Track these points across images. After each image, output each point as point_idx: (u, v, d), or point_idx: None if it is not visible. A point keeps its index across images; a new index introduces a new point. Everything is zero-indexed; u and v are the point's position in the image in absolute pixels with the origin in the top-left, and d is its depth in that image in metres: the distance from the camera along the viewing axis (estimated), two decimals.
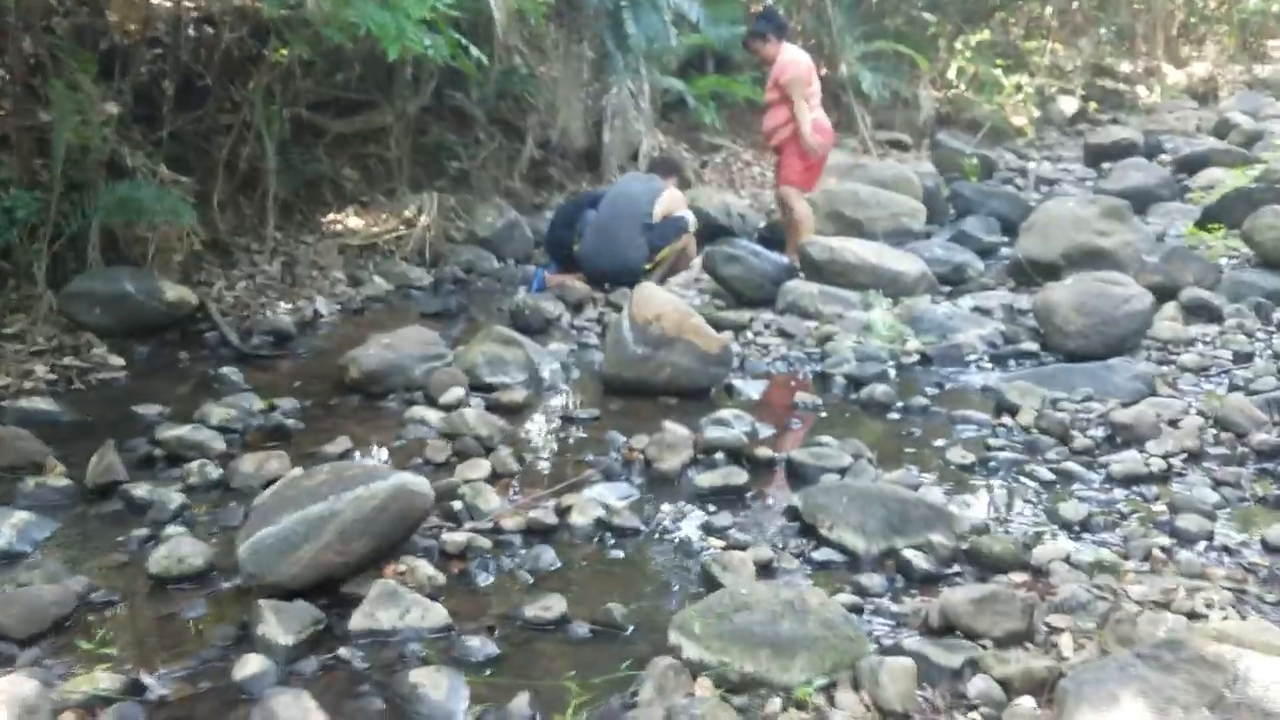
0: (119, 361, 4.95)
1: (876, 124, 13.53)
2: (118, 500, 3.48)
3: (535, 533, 3.31)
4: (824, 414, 4.51)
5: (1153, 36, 18.42)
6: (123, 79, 6.30)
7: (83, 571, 2.99)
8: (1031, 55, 16.17)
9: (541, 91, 8.95)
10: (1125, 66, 17.49)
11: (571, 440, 4.18)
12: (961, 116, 14.15)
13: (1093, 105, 15.33)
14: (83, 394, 4.60)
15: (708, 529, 3.39)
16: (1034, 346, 5.28)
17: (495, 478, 3.69)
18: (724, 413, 4.29)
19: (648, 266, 6.25)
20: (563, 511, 3.42)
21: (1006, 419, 4.28)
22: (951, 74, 14.44)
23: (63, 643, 2.65)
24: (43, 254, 5.22)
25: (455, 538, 3.16)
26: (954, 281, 6.66)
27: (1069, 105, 15.08)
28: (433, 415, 4.20)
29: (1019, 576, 3.01)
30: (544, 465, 3.92)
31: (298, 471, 3.44)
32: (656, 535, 3.37)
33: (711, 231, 8.56)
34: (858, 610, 2.79)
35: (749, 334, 5.63)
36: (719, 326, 5.63)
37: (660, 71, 10.20)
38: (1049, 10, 17.04)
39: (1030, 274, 6.48)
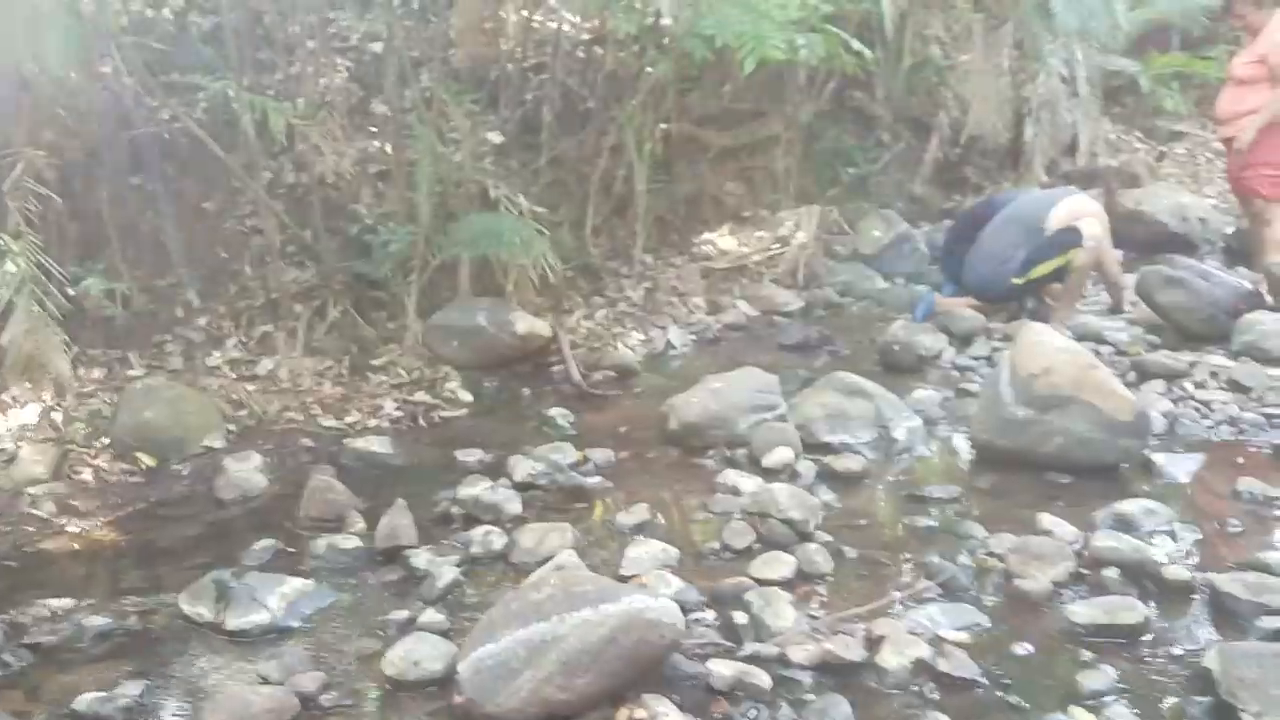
0: (467, 397, 4.87)
1: None
2: (400, 568, 3.24)
3: (832, 670, 2.55)
4: (1278, 513, 3.21)
5: None
6: (508, 107, 6.38)
7: (326, 663, 2.74)
8: None
9: (957, 84, 7.90)
10: None
11: (913, 530, 3.31)
12: None
13: None
14: (422, 433, 4.54)
15: (1073, 691, 2.41)
16: None
17: (799, 580, 2.96)
18: (1130, 505, 3.19)
19: (1017, 281, 5.05)
20: (874, 642, 2.61)
21: None
22: None
23: None
24: (414, 286, 5.32)
25: (724, 670, 2.49)
26: None
27: None
28: (748, 483, 3.55)
29: None
30: (866, 566, 3.11)
31: (569, 555, 2.98)
32: (998, 693, 2.45)
33: (1163, 241, 7.03)
34: None
35: (1188, 384, 4.31)
36: (1147, 373, 4.42)
37: (1106, 51, 8.64)
38: None
39: None
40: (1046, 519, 3.12)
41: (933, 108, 8.14)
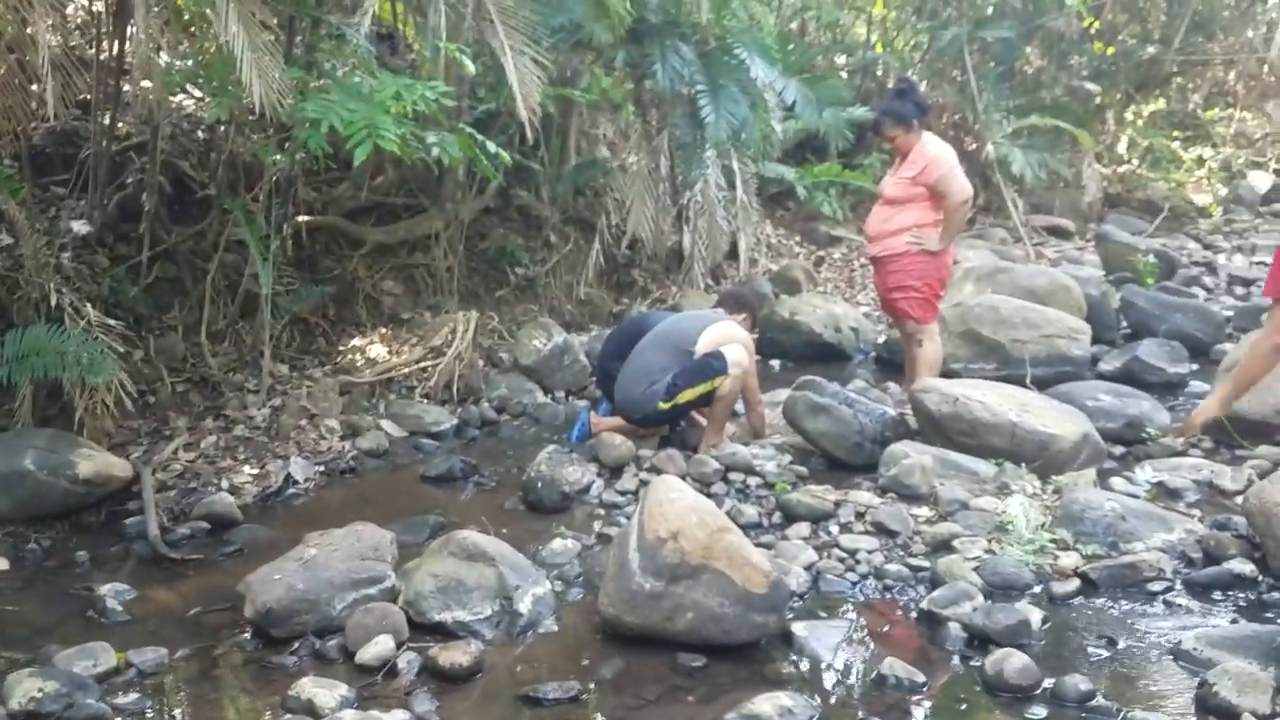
0: (2, 565, 3.85)
1: (1032, 208, 11.78)
2: None
3: None
4: (926, 704, 2.94)
5: None
6: (99, 191, 5.39)
7: None
8: (1214, 125, 14.02)
9: (621, 186, 7.72)
10: None
11: None
12: (1133, 197, 12.22)
13: None
14: None
15: None
16: (1248, 569, 3.55)
17: None
18: (763, 705, 2.79)
19: (664, 405, 4.77)
20: None
21: None
22: (1121, 148, 12.55)
23: None
24: None
25: None
26: (1127, 441, 4.94)
27: (1261, 181, 12.81)
28: (327, 697, 2.85)
29: None
30: None
31: None
32: None
33: (817, 351, 7.12)
34: None
35: (834, 527, 4.09)
36: (792, 514, 4.17)
37: (763, 159, 8.85)
38: (1232, 75, 14.88)
39: (1233, 434, 4.72)
40: None
41: (599, 209, 7.92)
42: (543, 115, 7.78)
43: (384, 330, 6.54)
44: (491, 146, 4.85)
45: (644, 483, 4.63)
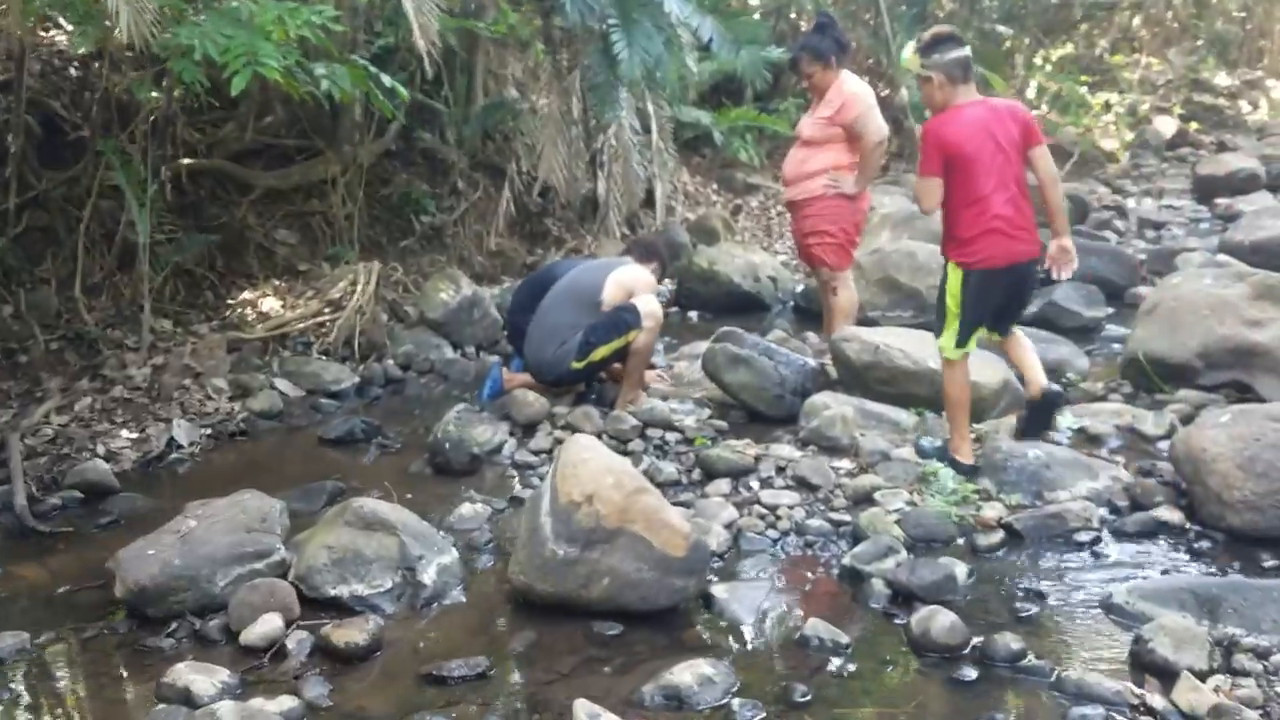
0: None
1: None
2: None
3: None
4: (851, 666, 2.80)
5: (1255, 45, 16.25)
6: None
7: None
8: (1121, 70, 14.18)
9: (532, 130, 7.39)
10: (1224, 80, 15.34)
11: None
12: None
13: (1193, 125, 13.25)
14: None
15: None
16: (1176, 517, 3.50)
17: None
18: (682, 675, 2.63)
19: (577, 365, 4.56)
20: None
21: (1155, 698, 2.53)
22: (1030, 93, 12.58)
23: None
24: None
25: None
26: None
27: (1166, 126, 13.02)
28: (205, 683, 2.59)
29: None
30: None
31: None
32: None
33: (736, 301, 6.95)
34: None
35: (754, 482, 3.94)
36: (713, 471, 4.01)
37: (678, 102, 8.59)
38: (1138, 20, 15.05)
39: (1153, 378, 4.70)
40: (579, 706, 2.46)
41: (509, 154, 7.59)
42: (445, 51, 7.43)
43: (278, 283, 6.16)
44: (387, 81, 4.50)
45: (559, 441, 4.41)
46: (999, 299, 3.82)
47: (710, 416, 4.62)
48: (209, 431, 4.59)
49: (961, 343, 3.84)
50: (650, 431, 4.43)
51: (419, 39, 4.68)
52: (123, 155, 4.93)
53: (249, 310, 5.72)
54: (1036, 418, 4.04)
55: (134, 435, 4.42)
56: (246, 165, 6.48)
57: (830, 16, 5.83)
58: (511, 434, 4.52)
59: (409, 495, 3.85)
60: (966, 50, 3.83)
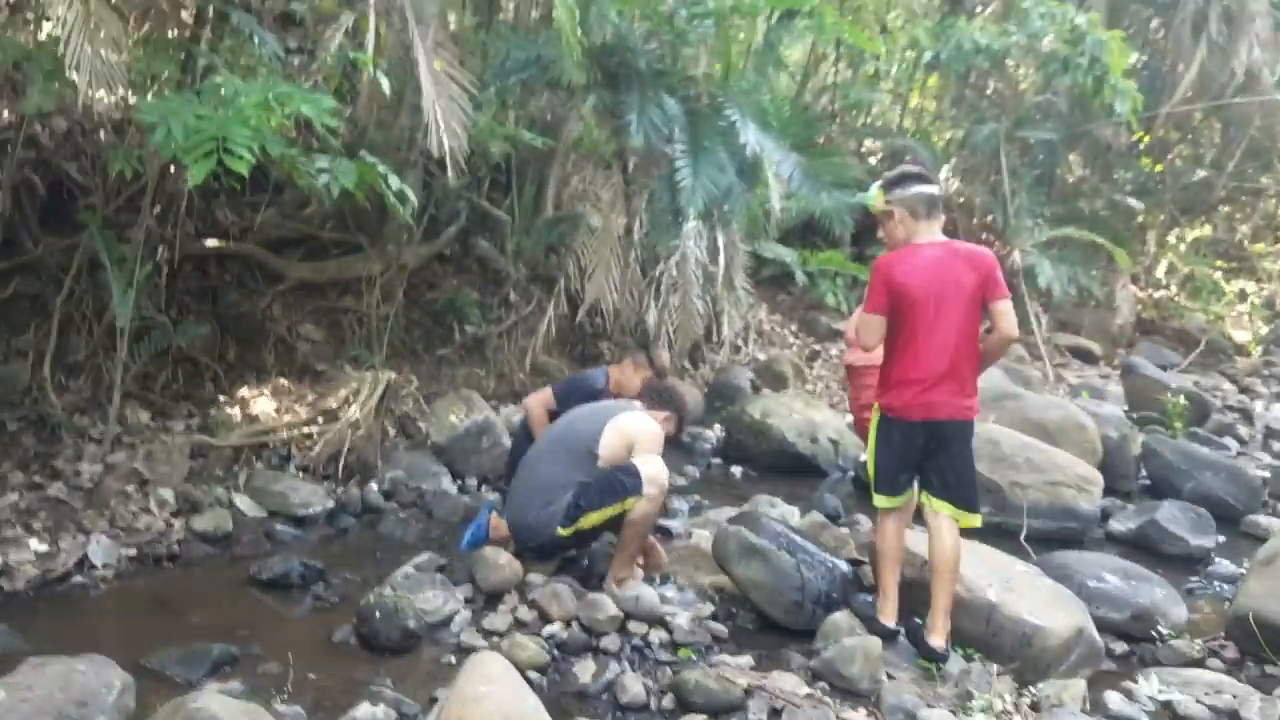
0: None
1: (1057, 324, 10.87)
2: None
3: None
4: None
5: None
6: None
7: None
8: (1261, 259, 13.08)
9: (588, 247, 6.84)
10: None
11: None
12: (1168, 325, 11.29)
13: None
14: None
15: None
16: None
17: None
18: None
19: (563, 532, 3.80)
20: None
21: None
22: (1160, 272, 11.63)
23: None
24: None
25: None
26: (1133, 638, 3.93)
27: None
28: None
29: None
30: None
31: None
32: None
33: (787, 462, 6.14)
34: None
35: None
36: (687, 701, 3.18)
37: (763, 236, 7.98)
38: None
39: (1265, 648, 3.71)
40: None
41: (563, 269, 7.05)
42: (517, 160, 7.02)
43: (285, 382, 5.63)
44: (395, 182, 3.96)
45: (519, 622, 3.67)
46: (915, 456, 3.54)
47: (710, 615, 3.82)
48: (133, 553, 3.96)
49: (888, 492, 3.60)
50: (632, 625, 3.66)
51: (434, 139, 4.15)
52: (111, 229, 4.48)
53: (236, 410, 5.17)
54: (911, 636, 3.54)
55: (43, 548, 3.82)
56: (282, 255, 6.07)
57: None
58: (469, 602, 3.79)
59: (310, 675, 3.14)
60: (934, 188, 3.61)
